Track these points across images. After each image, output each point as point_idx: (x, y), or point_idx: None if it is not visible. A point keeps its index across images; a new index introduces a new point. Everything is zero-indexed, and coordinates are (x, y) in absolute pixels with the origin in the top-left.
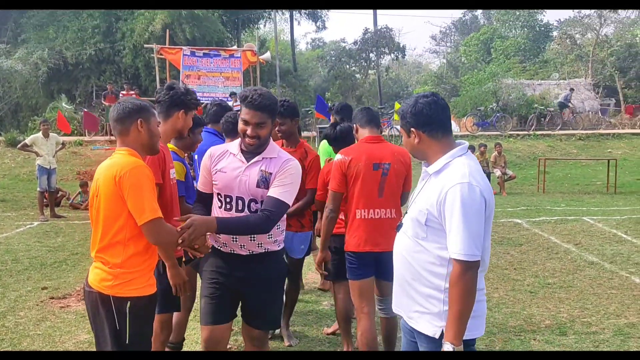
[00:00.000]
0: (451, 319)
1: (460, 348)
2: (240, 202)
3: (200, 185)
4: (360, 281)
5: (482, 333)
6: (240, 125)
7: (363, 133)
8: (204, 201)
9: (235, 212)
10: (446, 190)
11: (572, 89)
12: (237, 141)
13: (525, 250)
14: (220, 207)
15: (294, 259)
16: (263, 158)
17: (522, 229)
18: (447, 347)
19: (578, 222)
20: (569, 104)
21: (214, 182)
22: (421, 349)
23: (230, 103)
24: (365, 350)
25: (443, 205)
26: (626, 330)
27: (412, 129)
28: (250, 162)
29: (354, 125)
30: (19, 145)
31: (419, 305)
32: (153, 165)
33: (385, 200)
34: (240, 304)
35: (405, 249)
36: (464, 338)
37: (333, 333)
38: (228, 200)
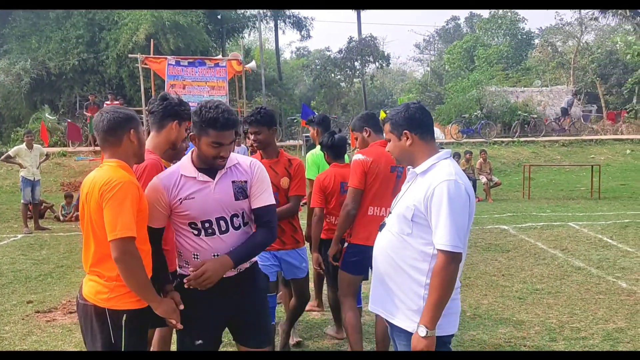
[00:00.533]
0: (428, 305)
1: (434, 333)
2: (222, 222)
3: (153, 221)
4: (357, 277)
5: (455, 330)
6: (211, 150)
7: (376, 137)
8: (158, 238)
9: (219, 234)
10: (434, 187)
11: (575, 94)
12: (184, 163)
13: (512, 256)
14: (198, 235)
15: (299, 278)
16: (227, 169)
17: (508, 235)
18: (421, 330)
19: (564, 228)
20: (569, 110)
21: (182, 213)
22: (400, 347)
23: None
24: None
25: (430, 201)
26: (615, 335)
27: (406, 131)
28: (217, 179)
29: (366, 129)
30: (2, 157)
31: (399, 300)
32: (149, 180)
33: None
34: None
35: (389, 245)
36: (439, 334)
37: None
38: (207, 225)
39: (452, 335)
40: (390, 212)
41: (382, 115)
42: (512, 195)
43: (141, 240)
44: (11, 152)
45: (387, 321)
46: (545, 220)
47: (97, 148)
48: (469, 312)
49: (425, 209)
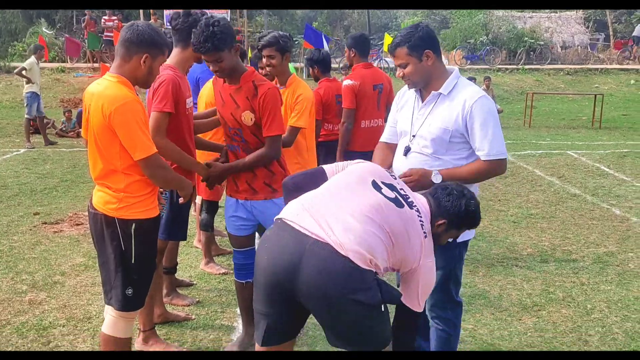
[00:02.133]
0: (457, 171)
1: (440, 179)
2: None
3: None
4: None
5: (471, 236)
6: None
7: (360, 60)
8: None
9: None
10: (471, 104)
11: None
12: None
13: (509, 182)
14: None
15: None
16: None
17: (507, 162)
18: (436, 176)
19: (562, 156)
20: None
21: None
22: None
23: None
24: None
25: (471, 118)
26: (605, 259)
27: (428, 51)
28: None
29: (353, 50)
30: (16, 71)
31: None
32: (166, 95)
33: (380, 112)
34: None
35: (421, 165)
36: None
37: None
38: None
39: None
40: (412, 135)
41: (387, 38)
42: (513, 123)
43: None
44: (27, 65)
45: None
46: (544, 149)
47: (96, 65)
48: None
49: (464, 127)
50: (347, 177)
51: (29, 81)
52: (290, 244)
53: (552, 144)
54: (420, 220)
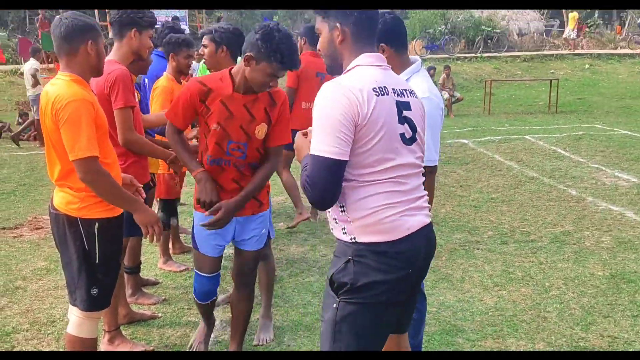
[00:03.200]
0: None
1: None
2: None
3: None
4: (291, 153)
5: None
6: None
7: (309, 48)
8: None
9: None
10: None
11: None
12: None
13: (470, 168)
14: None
15: (249, 251)
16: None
17: (468, 149)
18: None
19: (520, 141)
20: None
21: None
22: None
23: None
24: None
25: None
26: (562, 238)
27: (382, 44)
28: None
29: (304, 38)
30: (32, 72)
31: None
32: (126, 89)
33: None
34: None
35: None
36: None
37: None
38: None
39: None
40: None
41: None
42: (473, 111)
43: (105, 154)
44: (38, 67)
45: None
46: (503, 134)
47: (51, 65)
48: None
49: None
50: None
51: (36, 83)
52: None
53: (510, 130)
54: None
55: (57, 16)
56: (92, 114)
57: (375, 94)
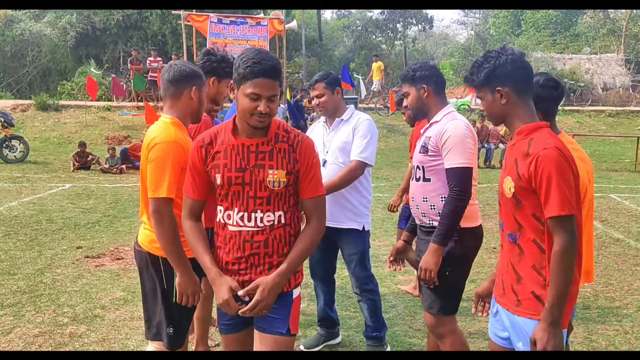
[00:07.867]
0: (330, 183)
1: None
2: None
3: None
4: None
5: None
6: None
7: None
8: None
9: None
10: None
11: (626, 63)
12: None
13: None
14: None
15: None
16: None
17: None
18: None
19: (605, 199)
20: None
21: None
22: None
23: None
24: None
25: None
26: None
27: (337, 87)
28: None
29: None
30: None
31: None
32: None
33: None
34: None
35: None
36: None
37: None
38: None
39: None
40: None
41: None
42: None
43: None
44: None
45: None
46: None
47: (141, 103)
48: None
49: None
50: None
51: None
52: None
53: (594, 187)
54: None
55: (170, 62)
56: (181, 157)
57: None
